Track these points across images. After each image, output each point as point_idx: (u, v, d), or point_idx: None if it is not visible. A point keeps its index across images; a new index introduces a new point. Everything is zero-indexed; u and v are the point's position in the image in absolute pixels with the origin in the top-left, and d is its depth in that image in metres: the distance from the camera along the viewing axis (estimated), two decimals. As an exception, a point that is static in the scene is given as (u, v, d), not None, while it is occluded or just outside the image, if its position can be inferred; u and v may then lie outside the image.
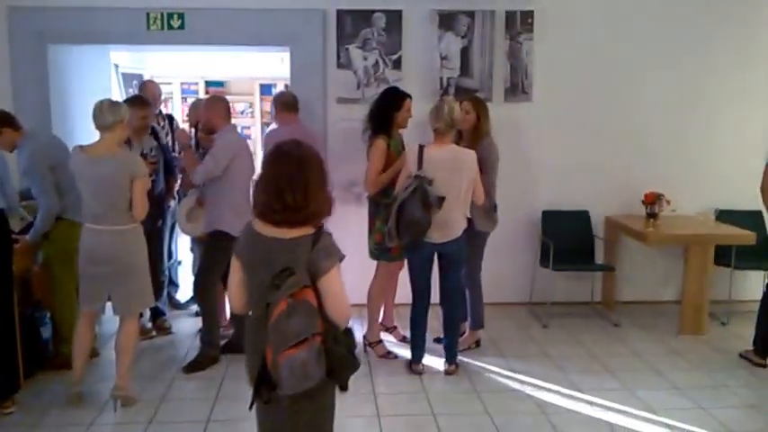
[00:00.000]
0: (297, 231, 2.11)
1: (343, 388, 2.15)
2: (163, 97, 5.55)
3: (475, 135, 4.29)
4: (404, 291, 4.40)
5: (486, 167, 4.16)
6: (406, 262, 4.25)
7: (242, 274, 2.21)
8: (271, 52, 7.06)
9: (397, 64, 5.19)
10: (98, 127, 3.49)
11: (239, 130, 5.38)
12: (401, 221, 3.86)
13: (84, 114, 3.76)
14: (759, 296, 4.46)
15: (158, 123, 4.98)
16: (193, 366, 4.19)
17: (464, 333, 4.54)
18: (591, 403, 3.80)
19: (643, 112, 5.41)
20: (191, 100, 6.96)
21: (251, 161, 4.32)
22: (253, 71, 8.35)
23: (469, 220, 4.10)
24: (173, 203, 4.95)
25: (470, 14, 5.19)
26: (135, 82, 6.53)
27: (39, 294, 4.09)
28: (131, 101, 4.34)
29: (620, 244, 5.46)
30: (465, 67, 5.24)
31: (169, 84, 8.27)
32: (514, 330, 4.99)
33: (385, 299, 4.60)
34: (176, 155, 4.95)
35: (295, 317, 1.95)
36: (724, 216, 5.38)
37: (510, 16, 5.21)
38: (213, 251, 4.24)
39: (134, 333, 3.72)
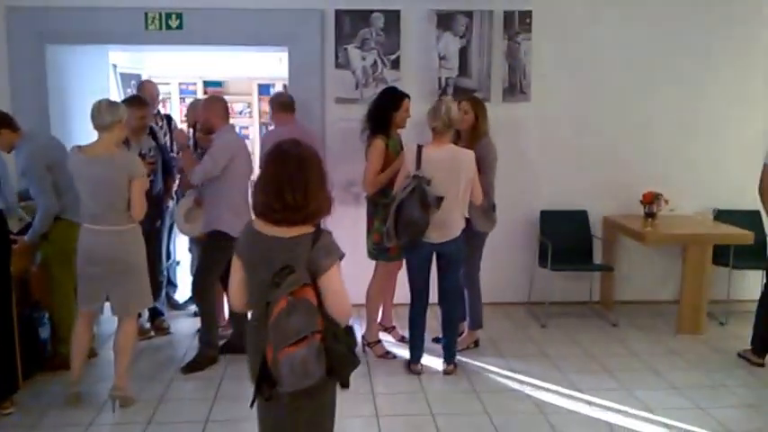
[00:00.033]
0: (297, 230, 2.12)
1: (345, 385, 2.16)
2: (161, 97, 5.55)
3: (473, 135, 4.30)
4: (402, 291, 4.40)
5: (485, 167, 4.17)
6: (404, 262, 4.25)
7: (243, 274, 2.22)
8: (269, 52, 7.06)
9: (396, 64, 5.19)
10: (96, 127, 3.48)
11: (237, 130, 5.38)
12: (399, 221, 3.86)
13: (82, 114, 3.75)
14: (757, 296, 4.47)
15: (156, 123, 4.98)
16: (192, 367, 4.19)
17: (463, 333, 4.54)
18: (589, 403, 3.80)
19: (641, 111, 5.42)
20: (189, 100, 6.96)
21: (249, 161, 4.32)
22: (251, 71, 8.35)
23: (468, 220, 4.10)
24: (171, 204, 4.95)
25: (469, 14, 5.19)
26: (133, 82, 6.53)
27: (37, 295, 4.08)
28: (129, 101, 4.34)
29: (619, 244, 5.47)
30: (463, 67, 5.25)
31: (167, 84, 8.27)
32: (513, 330, 5.00)
33: (383, 299, 4.61)
34: (174, 155, 4.95)
35: (295, 315, 1.96)
36: (722, 216, 5.38)
37: (508, 16, 5.22)
38: (212, 251, 4.24)
39: (132, 333, 3.72)
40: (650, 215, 5.18)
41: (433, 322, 4.38)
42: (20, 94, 4.95)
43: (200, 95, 8.10)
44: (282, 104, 4.81)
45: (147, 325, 4.80)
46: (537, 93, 5.31)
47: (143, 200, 3.55)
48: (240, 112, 8.65)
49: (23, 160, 3.89)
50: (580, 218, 5.43)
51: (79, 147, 3.55)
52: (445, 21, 5.19)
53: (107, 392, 3.65)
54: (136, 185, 3.51)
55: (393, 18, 5.15)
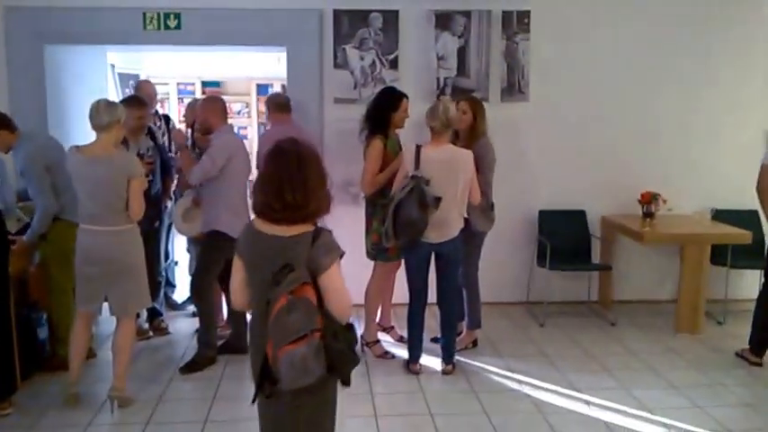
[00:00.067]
0: (297, 229, 2.13)
1: (346, 383, 2.17)
2: (159, 97, 5.54)
3: (471, 135, 4.30)
4: (401, 291, 4.40)
5: (483, 167, 4.17)
6: (403, 262, 4.25)
7: (244, 273, 2.23)
8: (267, 52, 7.06)
9: (394, 64, 5.19)
10: (94, 127, 3.48)
11: (236, 130, 5.37)
12: (398, 222, 3.86)
13: (80, 115, 3.75)
14: (755, 295, 4.48)
15: (155, 124, 4.98)
16: (191, 367, 4.19)
17: (461, 333, 4.54)
18: (588, 402, 3.81)
19: (639, 111, 5.42)
20: (187, 100, 6.95)
21: (248, 161, 4.32)
22: (249, 71, 8.35)
23: (466, 220, 4.10)
24: (170, 204, 4.95)
25: (467, 14, 5.19)
26: (131, 82, 6.52)
27: (35, 295, 4.08)
28: (128, 101, 4.33)
29: (617, 243, 5.47)
30: (462, 67, 5.25)
31: (165, 84, 8.26)
32: (511, 330, 5.00)
33: (382, 299, 4.61)
34: (173, 155, 4.95)
35: (295, 313, 1.97)
36: (720, 215, 5.39)
37: (506, 16, 5.22)
38: (210, 251, 4.24)
39: (131, 334, 3.72)
40: (648, 215, 5.19)
41: (432, 322, 4.38)
42: (18, 94, 4.95)
43: (199, 95, 8.09)
44: (279, 105, 4.83)
45: (146, 325, 4.79)
46: (535, 93, 5.31)
47: (141, 200, 3.55)
48: (238, 112, 8.64)
49: (22, 161, 3.88)
50: (578, 217, 5.43)
51: (77, 147, 3.55)
52: (443, 21, 5.19)
53: (106, 393, 3.65)
54: (134, 185, 3.51)
55: (391, 18, 5.15)
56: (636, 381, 4.09)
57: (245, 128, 8.60)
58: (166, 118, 5.43)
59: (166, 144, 5.06)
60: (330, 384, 2.18)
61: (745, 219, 5.19)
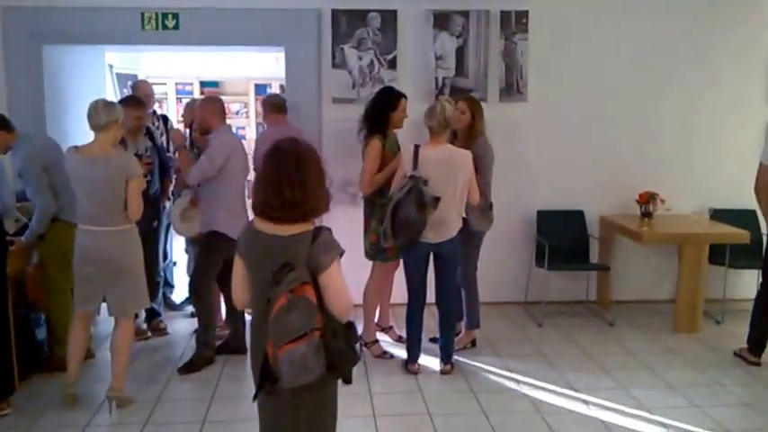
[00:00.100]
0: (296, 228, 2.13)
1: (347, 381, 2.18)
2: (157, 97, 5.53)
3: (470, 135, 4.30)
4: (399, 291, 4.40)
5: (482, 167, 4.17)
6: (401, 262, 4.26)
7: (244, 272, 2.24)
8: (265, 52, 7.06)
9: (393, 64, 5.19)
10: (92, 127, 3.48)
11: (234, 130, 5.37)
12: (396, 222, 3.86)
13: (78, 115, 3.75)
14: (753, 295, 4.49)
15: (152, 124, 4.97)
16: (189, 367, 4.18)
17: (460, 333, 4.55)
18: (586, 402, 3.81)
19: (638, 111, 5.43)
20: (185, 100, 6.95)
21: (246, 161, 4.32)
22: (248, 71, 8.34)
23: (465, 220, 4.10)
24: (168, 204, 4.95)
25: (465, 14, 5.19)
26: (129, 82, 6.52)
27: (33, 296, 4.07)
28: (126, 101, 4.33)
29: (615, 243, 5.48)
30: (460, 67, 5.25)
31: (164, 84, 8.25)
32: (510, 330, 5.00)
33: (381, 299, 4.61)
34: (171, 155, 4.95)
35: (295, 312, 1.98)
36: (718, 215, 5.40)
37: (505, 16, 5.22)
38: (208, 252, 4.24)
39: (129, 334, 3.71)
40: (646, 215, 5.19)
41: (431, 322, 4.38)
42: (16, 94, 4.94)
43: (197, 95, 8.08)
44: (274, 106, 4.85)
45: (144, 326, 4.79)
46: (534, 93, 5.31)
47: (139, 200, 3.55)
48: (237, 113, 8.63)
49: (20, 161, 3.88)
50: (577, 217, 5.44)
51: (76, 147, 3.54)
52: (442, 20, 5.19)
53: (104, 393, 3.64)
54: (132, 186, 3.50)
55: (390, 18, 5.15)
56: (634, 380, 4.09)
57: (244, 128, 8.59)
58: (164, 118, 5.43)
59: (165, 144, 5.06)
60: (330, 383, 2.20)
61: (743, 218, 5.20)
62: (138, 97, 4.61)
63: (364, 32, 5.15)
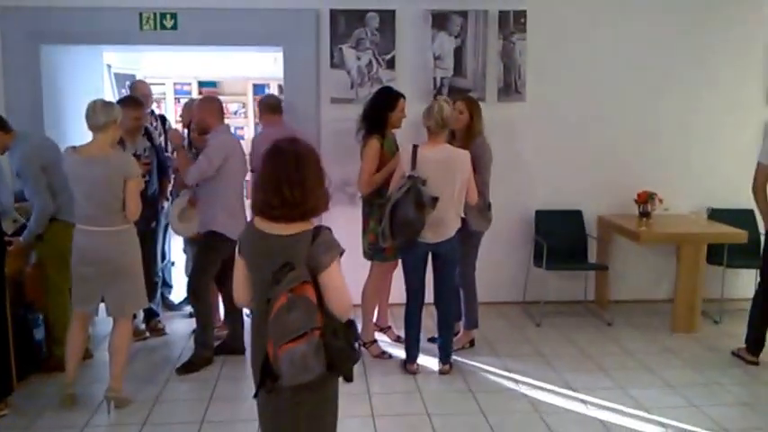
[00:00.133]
0: (296, 227, 2.15)
1: (348, 378, 2.19)
2: (155, 97, 5.52)
3: (468, 135, 4.30)
4: (398, 291, 4.40)
5: (480, 167, 4.18)
6: (400, 262, 4.26)
7: (245, 272, 2.25)
8: (264, 52, 7.05)
9: (391, 64, 5.19)
10: (91, 127, 3.47)
11: (232, 130, 5.37)
12: (395, 222, 3.87)
13: (76, 115, 3.74)
14: (751, 294, 4.50)
15: (151, 124, 4.97)
16: (187, 367, 4.18)
17: (458, 332, 4.55)
18: (584, 402, 3.81)
19: (636, 111, 5.43)
20: (184, 100, 6.95)
21: (244, 161, 4.31)
22: (246, 71, 8.33)
23: (464, 220, 4.10)
24: (166, 204, 4.94)
25: (463, 14, 5.20)
26: (127, 82, 6.51)
27: (32, 296, 4.07)
28: (124, 102, 4.33)
29: (613, 243, 5.48)
30: (458, 67, 5.25)
31: (162, 84, 8.25)
32: (508, 330, 5.00)
33: (379, 299, 4.60)
34: (169, 155, 4.95)
35: (295, 311, 1.99)
36: (716, 215, 5.40)
37: (503, 16, 5.23)
38: (207, 252, 4.23)
39: (127, 334, 3.71)
40: (645, 214, 5.20)
41: (429, 322, 4.38)
42: (14, 94, 4.93)
43: (195, 95, 8.08)
44: (270, 106, 4.86)
45: (143, 326, 4.79)
46: (532, 93, 5.32)
47: (138, 200, 3.55)
48: (235, 113, 8.63)
49: (18, 161, 3.87)
50: (575, 217, 5.44)
51: (74, 147, 3.54)
52: (440, 20, 5.19)
53: (102, 394, 3.64)
54: (131, 186, 3.50)
55: (388, 18, 5.15)
56: (632, 380, 4.10)
57: (242, 128, 8.59)
58: (162, 118, 5.42)
59: (163, 144, 5.06)
60: (330, 381, 2.21)
61: (741, 218, 5.20)
62: (136, 98, 4.61)
63: (362, 32, 5.15)
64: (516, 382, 4.08)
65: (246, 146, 5.22)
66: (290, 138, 2.26)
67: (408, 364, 4.19)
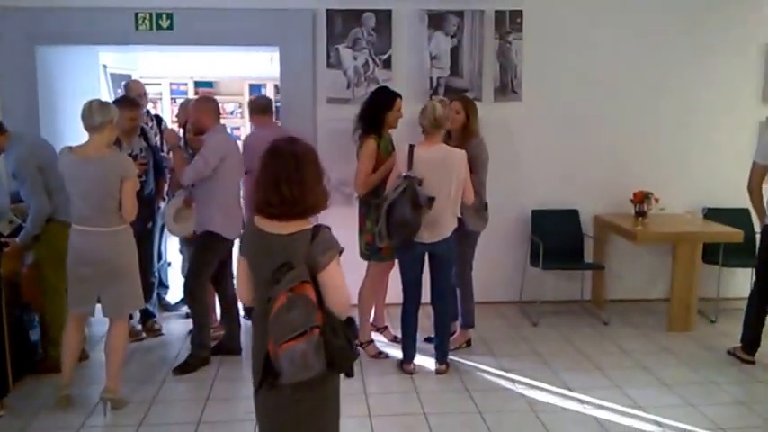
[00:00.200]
0: (295, 226, 2.17)
1: (349, 375, 2.22)
2: (151, 97, 5.51)
3: (464, 135, 4.30)
4: (394, 291, 4.40)
5: (477, 167, 4.18)
6: (396, 262, 4.25)
7: (247, 271, 2.27)
8: (260, 52, 7.05)
9: (387, 64, 5.19)
10: (87, 128, 3.47)
11: (229, 130, 5.37)
12: (391, 222, 3.87)
13: (72, 115, 3.74)
14: (747, 293, 4.51)
15: (147, 124, 4.96)
16: (184, 368, 4.17)
17: (455, 332, 4.55)
18: (581, 401, 3.82)
19: (632, 111, 5.44)
20: (180, 100, 6.94)
21: (240, 162, 4.31)
22: (242, 71, 8.33)
23: (460, 220, 4.11)
24: (163, 205, 4.94)
25: (459, 14, 5.20)
26: (123, 82, 6.50)
27: (28, 296, 4.06)
28: (120, 102, 4.31)
29: (610, 242, 5.49)
30: (455, 67, 5.26)
31: (158, 84, 8.24)
32: (505, 329, 5.01)
33: (376, 299, 4.60)
34: (165, 155, 4.94)
35: (295, 310, 2.02)
36: (712, 214, 5.41)
37: (499, 16, 5.23)
38: (203, 252, 4.23)
39: (124, 335, 3.70)
40: (641, 214, 5.21)
41: (426, 322, 4.38)
42: (9, 95, 4.92)
43: (192, 96, 8.07)
44: (259, 107, 4.87)
45: (139, 326, 4.78)
46: (528, 92, 5.32)
47: (134, 200, 3.54)
48: (231, 113, 8.63)
49: (13, 162, 3.86)
50: (571, 217, 5.45)
51: (70, 147, 3.53)
52: (436, 20, 5.19)
53: (98, 395, 3.63)
54: (127, 186, 3.49)
55: (384, 18, 5.15)
56: (629, 379, 4.10)
57: (238, 128, 8.59)
58: (158, 118, 5.42)
59: (159, 144, 5.05)
60: (331, 379, 2.23)
61: (736, 217, 5.21)
62: (132, 98, 4.60)
63: (359, 32, 5.15)
64: (513, 381, 4.08)
65: (242, 146, 5.21)
66: (289, 137, 2.28)
67: (405, 364, 4.19)
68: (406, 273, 4.11)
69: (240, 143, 4.71)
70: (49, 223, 3.89)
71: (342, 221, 4.50)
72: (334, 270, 2.14)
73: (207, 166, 4.05)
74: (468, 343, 4.61)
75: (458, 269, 4.32)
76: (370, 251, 4.32)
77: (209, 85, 8.64)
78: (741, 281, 5.34)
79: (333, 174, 4.89)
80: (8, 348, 3.63)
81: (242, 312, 4.55)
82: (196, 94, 8.15)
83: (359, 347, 4.41)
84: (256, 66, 8.09)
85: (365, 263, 4.41)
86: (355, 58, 5.17)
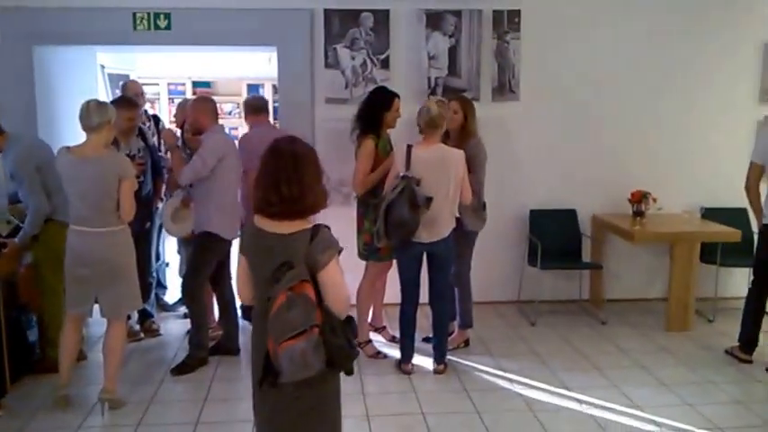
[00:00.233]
0: (295, 226, 2.18)
1: (349, 372, 2.23)
2: (149, 97, 5.50)
3: (462, 134, 4.31)
4: (393, 291, 4.41)
5: (475, 166, 4.18)
6: (394, 262, 4.26)
7: (248, 270, 2.28)
8: (258, 52, 7.04)
9: (385, 64, 5.19)
10: (84, 128, 3.46)
11: (227, 130, 5.36)
12: (389, 222, 3.87)
13: (70, 115, 3.73)
14: (744, 293, 4.51)
15: (144, 124, 4.96)
16: (182, 368, 4.17)
17: (453, 332, 4.55)
18: (579, 401, 3.82)
19: (630, 111, 5.44)
20: (177, 100, 6.93)
21: (238, 162, 4.30)
22: (240, 71, 8.33)
23: (458, 220, 4.11)
24: (161, 205, 4.93)
25: (457, 14, 5.20)
26: (121, 82, 6.50)
27: (25, 297, 4.05)
28: (118, 102, 4.30)
29: (608, 242, 5.49)
30: (453, 67, 5.26)
31: (156, 84, 8.23)
32: (503, 329, 5.01)
33: (374, 299, 4.61)
34: (162, 155, 4.94)
35: (294, 310, 2.03)
36: (709, 214, 5.42)
37: (497, 15, 5.23)
38: (201, 252, 4.23)
39: (122, 335, 3.70)
40: (638, 214, 5.21)
41: (424, 322, 4.38)
42: (6, 95, 4.90)
43: (189, 96, 8.06)
44: (253, 107, 4.88)
45: (137, 327, 4.77)
46: (526, 92, 5.33)
47: (132, 201, 3.54)
48: (229, 113, 8.62)
49: (11, 163, 3.85)
50: (569, 217, 5.45)
51: (68, 148, 3.53)
52: (434, 20, 5.19)
53: (96, 395, 3.63)
54: (125, 186, 3.49)
55: (382, 18, 5.15)
56: (626, 379, 4.11)
57: (236, 128, 8.58)
58: (156, 118, 5.41)
59: (156, 144, 5.04)
60: (331, 378, 2.24)
61: (734, 217, 5.22)
62: (130, 98, 4.60)
63: (357, 32, 5.15)
64: (511, 381, 4.08)
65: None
66: (289, 136, 2.30)
67: (403, 364, 4.19)
68: (405, 273, 4.11)
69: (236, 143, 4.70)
70: (48, 223, 3.89)
71: (340, 222, 4.50)
72: (334, 269, 2.16)
73: (205, 166, 4.05)
74: (467, 343, 4.61)
75: (456, 269, 4.32)
76: (368, 251, 4.32)
77: (207, 85, 8.63)
78: (739, 280, 5.34)
79: (331, 174, 4.92)
80: (6, 349, 3.63)
81: (240, 312, 4.55)
82: (194, 94, 8.15)
83: (357, 347, 4.42)
84: (254, 66, 8.09)
85: (363, 263, 4.41)
86: (353, 58, 5.17)
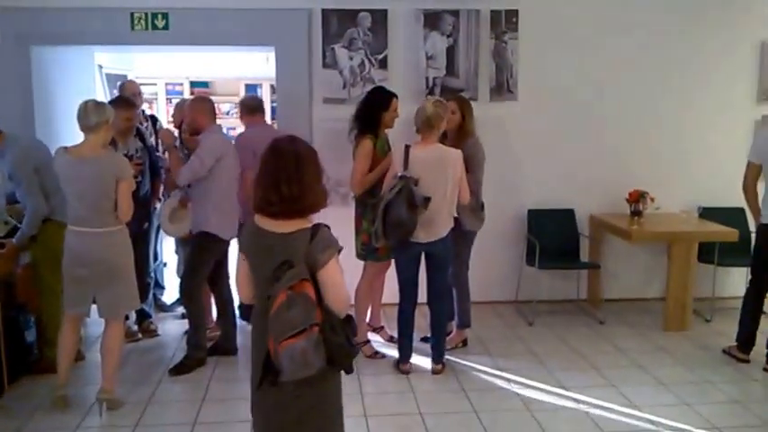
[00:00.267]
0: (295, 225, 2.19)
1: (348, 371, 2.24)
2: (147, 97, 5.49)
3: (460, 134, 4.31)
4: (391, 291, 4.41)
5: (473, 166, 4.18)
6: (392, 262, 4.26)
7: (248, 269, 2.29)
8: (256, 52, 7.04)
9: (383, 64, 5.20)
10: (82, 128, 3.46)
11: (225, 130, 5.36)
12: (387, 222, 3.87)
13: (67, 116, 3.73)
14: (742, 293, 4.52)
15: (141, 124, 4.95)
16: (180, 369, 4.17)
17: (451, 332, 4.55)
18: (576, 400, 3.82)
19: (628, 111, 5.45)
20: (175, 101, 6.93)
21: (236, 162, 4.30)
22: (238, 71, 8.32)
23: (456, 220, 4.11)
24: (158, 205, 4.93)
25: (455, 14, 5.20)
26: (119, 83, 6.49)
27: (23, 297, 4.04)
28: (116, 102, 4.31)
29: (605, 242, 5.50)
30: (451, 67, 5.26)
31: (154, 84, 8.22)
32: (501, 329, 5.01)
33: (372, 299, 4.61)
34: (160, 155, 4.93)
35: (294, 308, 2.04)
36: (707, 213, 5.43)
37: (495, 15, 5.24)
38: (199, 253, 4.22)
39: (120, 336, 3.70)
40: (636, 213, 5.22)
41: (422, 322, 4.39)
42: (4, 95, 4.89)
43: (187, 96, 8.06)
44: (249, 107, 4.87)
45: (135, 327, 4.77)
46: (524, 92, 5.33)
47: (130, 201, 3.54)
48: (227, 113, 8.61)
49: (9, 164, 3.85)
50: (567, 216, 5.46)
51: (65, 148, 3.53)
52: (432, 20, 5.20)
53: (94, 395, 3.63)
54: (123, 187, 3.49)
55: (380, 17, 5.15)
56: (624, 378, 4.11)
57: (234, 128, 8.56)
58: (153, 118, 5.41)
59: (154, 144, 5.04)
60: (331, 376, 2.25)
61: (732, 217, 5.23)
62: (127, 98, 4.60)
63: (355, 32, 5.15)
64: (509, 381, 4.09)
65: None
66: (289, 136, 2.31)
67: (401, 364, 4.20)
68: (403, 273, 4.11)
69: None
70: (46, 224, 3.89)
71: (338, 222, 4.50)
72: (334, 268, 2.17)
73: (203, 166, 4.04)
74: (465, 343, 4.62)
75: (454, 269, 4.32)
76: (366, 251, 4.32)
77: (205, 85, 8.63)
78: (736, 280, 5.35)
79: (329, 174, 4.92)
80: (4, 349, 3.63)
81: (237, 313, 4.55)
82: (192, 94, 8.14)
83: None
84: (252, 66, 8.08)
85: (361, 263, 4.41)
86: (351, 58, 5.17)
